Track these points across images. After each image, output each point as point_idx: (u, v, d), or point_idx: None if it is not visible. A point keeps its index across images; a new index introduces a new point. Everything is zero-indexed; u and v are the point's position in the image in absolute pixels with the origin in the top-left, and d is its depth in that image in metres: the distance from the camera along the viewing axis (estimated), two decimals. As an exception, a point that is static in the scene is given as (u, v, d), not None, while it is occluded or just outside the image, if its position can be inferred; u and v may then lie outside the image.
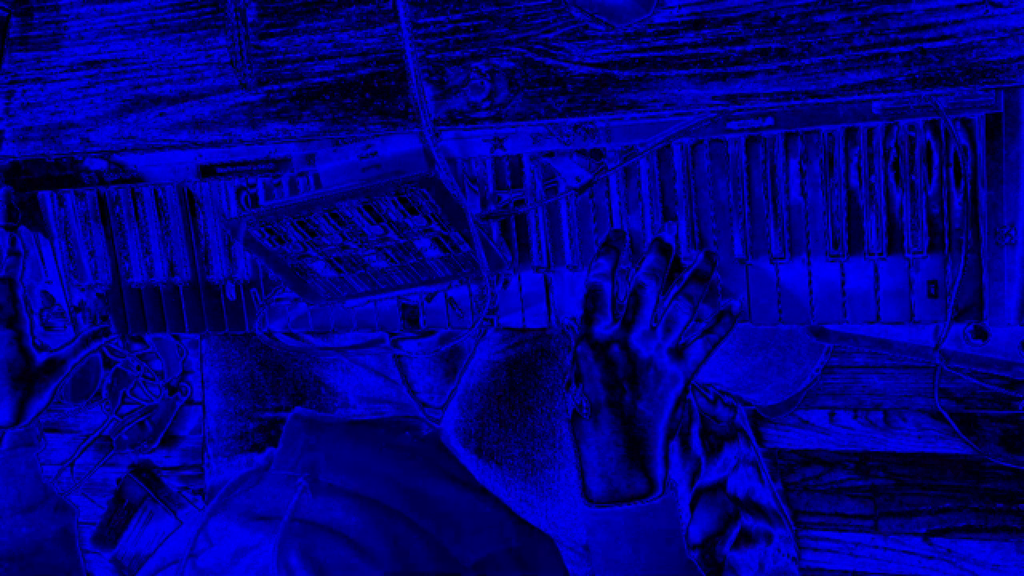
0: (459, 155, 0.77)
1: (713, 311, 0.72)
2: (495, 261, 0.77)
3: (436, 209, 0.72)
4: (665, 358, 0.68)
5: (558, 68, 0.68)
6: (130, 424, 1.61)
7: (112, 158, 0.86)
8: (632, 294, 0.70)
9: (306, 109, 0.74)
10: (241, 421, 1.02)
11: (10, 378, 0.85)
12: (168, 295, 0.88)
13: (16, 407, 0.85)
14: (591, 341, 0.69)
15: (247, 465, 1.01)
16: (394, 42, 0.71)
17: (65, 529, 0.89)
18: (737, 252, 0.73)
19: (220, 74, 0.75)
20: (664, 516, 0.68)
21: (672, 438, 0.69)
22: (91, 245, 0.89)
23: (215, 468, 1.03)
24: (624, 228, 0.74)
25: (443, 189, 0.70)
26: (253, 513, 0.84)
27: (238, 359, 1.03)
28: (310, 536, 0.79)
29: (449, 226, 0.73)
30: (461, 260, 0.77)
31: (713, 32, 0.64)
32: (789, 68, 0.63)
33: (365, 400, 1.03)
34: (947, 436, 1.35)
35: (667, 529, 0.68)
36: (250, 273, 0.86)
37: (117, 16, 0.77)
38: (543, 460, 0.91)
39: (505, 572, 0.87)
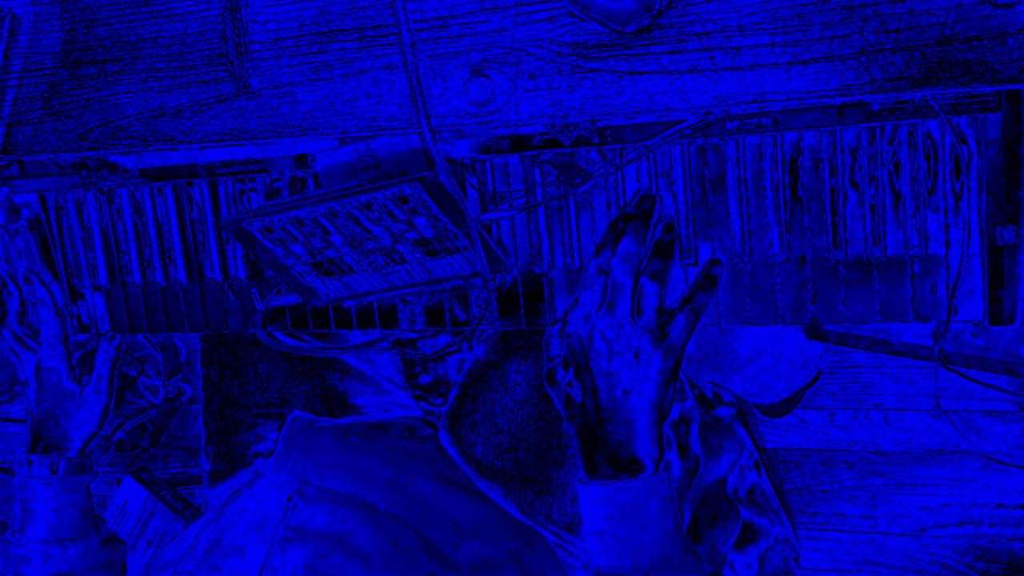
0: (459, 155, 0.77)
1: (694, 278, 0.73)
2: (495, 261, 0.77)
3: (436, 209, 0.72)
4: (646, 339, 0.70)
5: (557, 67, 0.68)
6: (130, 424, 1.61)
7: (111, 158, 0.86)
8: (610, 281, 0.71)
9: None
10: (240, 422, 1.02)
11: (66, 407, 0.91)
12: (167, 295, 0.89)
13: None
14: (576, 330, 0.72)
15: (245, 470, 1.01)
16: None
17: (110, 563, 0.92)
18: (736, 252, 0.73)
19: (220, 74, 0.75)
20: (658, 494, 0.70)
21: (666, 417, 0.71)
22: (91, 245, 0.89)
23: (213, 480, 1.03)
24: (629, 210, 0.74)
25: (443, 189, 0.70)
26: (246, 520, 0.84)
27: (240, 357, 1.03)
28: (302, 542, 0.79)
29: (449, 226, 0.73)
30: (461, 260, 0.77)
31: (713, 32, 0.64)
32: (789, 68, 0.63)
33: (373, 403, 1.04)
34: (947, 436, 1.35)
35: (663, 507, 0.70)
36: (249, 273, 0.86)
37: (117, 16, 0.77)
38: (538, 460, 0.91)
39: (503, 574, 0.87)
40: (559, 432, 0.91)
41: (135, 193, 0.87)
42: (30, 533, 0.89)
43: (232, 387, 1.02)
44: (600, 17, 0.65)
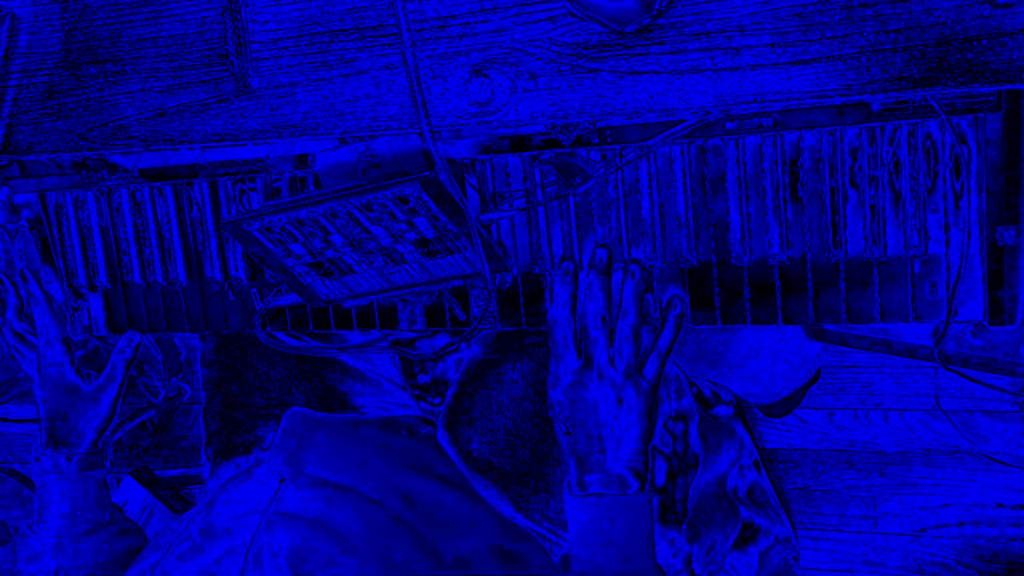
0: (459, 155, 0.77)
1: (659, 316, 0.77)
2: (495, 261, 0.77)
3: (436, 209, 0.72)
4: (628, 385, 0.75)
5: (557, 67, 0.68)
6: (131, 424, 1.61)
7: (111, 158, 0.86)
8: (584, 334, 0.75)
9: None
10: (240, 423, 1.02)
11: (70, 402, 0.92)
12: (168, 295, 0.89)
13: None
14: (561, 382, 0.76)
15: (245, 457, 1.01)
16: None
17: (130, 549, 0.94)
18: (736, 252, 0.73)
19: (220, 74, 0.75)
20: (641, 507, 0.75)
21: (650, 441, 0.76)
22: (91, 245, 0.89)
23: (213, 469, 1.03)
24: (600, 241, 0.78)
25: (443, 190, 0.70)
26: (238, 505, 0.84)
27: (240, 357, 1.03)
28: (289, 526, 0.80)
29: (449, 226, 0.73)
30: (461, 260, 0.77)
31: (713, 32, 0.64)
32: (789, 68, 0.63)
33: (373, 404, 1.04)
34: (947, 436, 1.35)
35: (643, 520, 0.75)
36: (249, 273, 0.86)
37: (117, 16, 0.77)
38: (535, 457, 0.91)
39: (488, 568, 0.87)
40: (551, 433, 0.91)
41: (135, 193, 0.87)
42: (45, 526, 0.90)
43: (232, 387, 1.03)
44: (600, 17, 0.65)
